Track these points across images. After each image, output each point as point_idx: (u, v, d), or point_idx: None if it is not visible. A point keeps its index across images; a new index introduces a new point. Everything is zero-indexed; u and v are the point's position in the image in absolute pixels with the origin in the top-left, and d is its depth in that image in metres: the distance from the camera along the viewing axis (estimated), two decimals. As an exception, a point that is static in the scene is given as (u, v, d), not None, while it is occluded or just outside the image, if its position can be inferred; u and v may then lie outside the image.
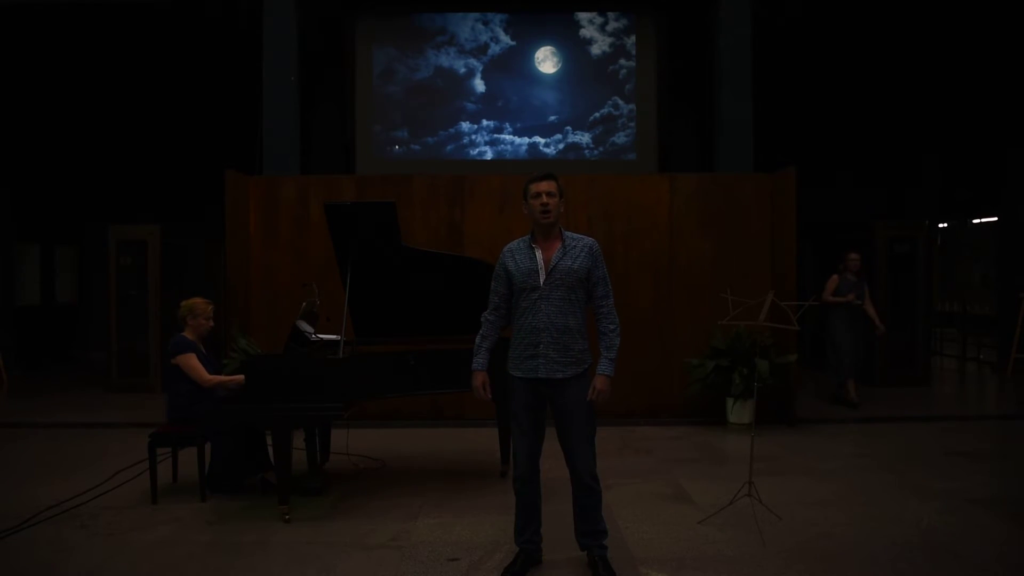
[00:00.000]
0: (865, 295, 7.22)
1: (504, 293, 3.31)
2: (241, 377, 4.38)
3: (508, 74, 9.74)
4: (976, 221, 11.17)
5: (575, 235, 3.29)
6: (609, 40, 9.74)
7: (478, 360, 3.34)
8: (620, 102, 9.74)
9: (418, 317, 4.84)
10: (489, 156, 9.75)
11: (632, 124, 9.73)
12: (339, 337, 4.45)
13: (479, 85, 9.73)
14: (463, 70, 9.73)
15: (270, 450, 4.39)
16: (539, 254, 3.21)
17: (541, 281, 3.18)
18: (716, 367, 6.30)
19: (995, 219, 10.48)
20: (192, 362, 4.37)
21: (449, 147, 9.75)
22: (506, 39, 9.71)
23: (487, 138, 9.74)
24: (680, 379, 6.62)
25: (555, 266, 3.18)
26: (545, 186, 3.21)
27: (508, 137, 9.74)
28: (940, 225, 11.82)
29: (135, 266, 8.22)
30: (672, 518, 4.03)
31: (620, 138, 9.73)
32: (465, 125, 9.75)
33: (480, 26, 9.71)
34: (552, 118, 9.76)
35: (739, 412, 6.38)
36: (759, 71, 7.95)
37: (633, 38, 9.73)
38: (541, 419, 3.26)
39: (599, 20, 9.75)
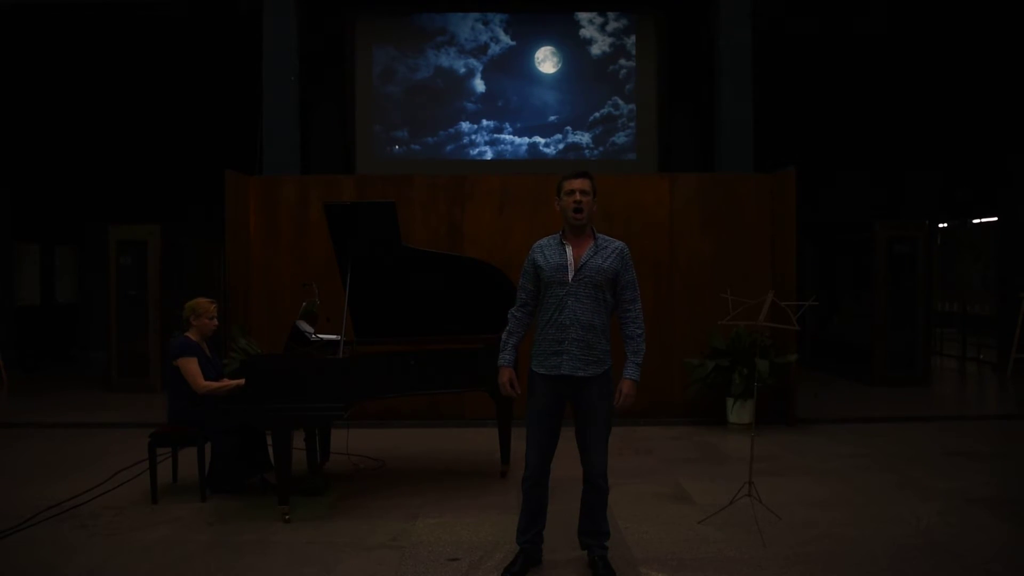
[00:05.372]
0: None
1: (532, 290, 3.29)
2: (235, 382, 4.37)
3: (508, 74, 9.74)
4: (976, 221, 11.17)
5: (607, 237, 3.28)
6: (609, 40, 9.74)
7: (505, 356, 3.33)
8: (620, 102, 9.74)
9: (418, 317, 4.84)
10: (489, 156, 9.75)
11: (632, 124, 9.73)
12: (339, 337, 4.45)
13: (479, 85, 9.73)
14: (463, 70, 9.73)
15: (270, 450, 4.38)
16: (569, 251, 3.20)
17: (570, 277, 3.16)
18: (716, 367, 6.30)
19: (995, 219, 10.48)
20: (191, 367, 4.35)
21: (449, 147, 9.75)
22: (506, 39, 9.72)
23: (487, 138, 9.75)
24: (680, 379, 6.62)
25: (585, 264, 3.16)
26: (579, 184, 3.18)
27: (508, 137, 9.75)
28: (940, 225, 11.82)
29: (135, 266, 8.22)
30: (672, 518, 4.03)
31: (620, 138, 9.73)
32: (465, 125, 9.75)
33: (480, 26, 9.71)
34: (552, 118, 9.76)
35: (739, 412, 6.38)
36: (759, 71, 7.95)
37: (633, 38, 9.73)
38: (558, 421, 3.26)
39: (599, 20, 9.76)
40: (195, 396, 4.37)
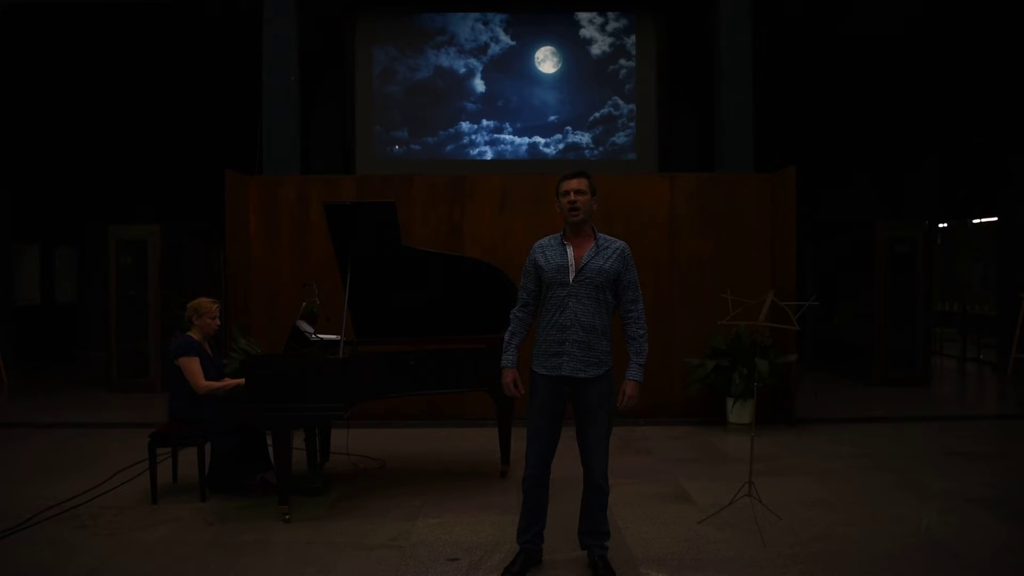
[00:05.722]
0: None
1: (533, 290, 3.29)
2: (236, 381, 4.38)
3: (508, 74, 9.74)
4: (976, 221, 11.17)
5: (608, 237, 3.28)
6: (609, 40, 9.74)
7: (508, 357, 3.33)
8: (620, 102, 9.74)
9: (418, 317, 4.84)
10: (489, 156, 9.75)
11: (632, 124, 9.74)
12: (339, 337, 4.45)
13: (479, 85, 9.73)
14: (463, 70, 9.73)
15: (270, 450, 4.39)
16: (570, 251, 3.20)
17: (571, 278, 3.16)
18: (716, 367, 6.30)
19: (995, 219, 10.48)
20: (193, 366, 4.35)
21: (449, 147, 9.75)
22: (506, 39, 9.72)
23: (487, 138, 9.75)
24: (680, 379, 6.62)
25: (586, 264, 3.16)
26: (575, 184, 3.20)
27: (508, 137, 9.75)
28: (940, 225, 11.82)
29: (135, 266, 8.21)
30: (672, 518, 4.03)
31: (620, 138, 9.73)
32: (465, 125, 9.75)
33: (480, 26, 9.71)
34: (552, 118, 9.76)
35: (739, 412, 6.38)
36: (759, 71, 7.95)
37: (633, 38, 9.73)
38: (559, 422, 3.25)
39: (599, 20, 9.76)
40: (196, 395, 4.37)
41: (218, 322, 4.60)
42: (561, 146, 9.74)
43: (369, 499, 4.39)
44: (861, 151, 11.41)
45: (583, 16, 9.74)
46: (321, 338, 4.84)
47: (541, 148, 9.74)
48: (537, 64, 9.76)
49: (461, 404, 6.56)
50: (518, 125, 9.75)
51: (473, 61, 9.72)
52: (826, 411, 6.91)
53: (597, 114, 9.74)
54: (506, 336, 3.37)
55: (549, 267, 3.20)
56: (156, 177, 11.29)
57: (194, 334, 4.50)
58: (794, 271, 6.49)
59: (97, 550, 3.59)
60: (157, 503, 4.28)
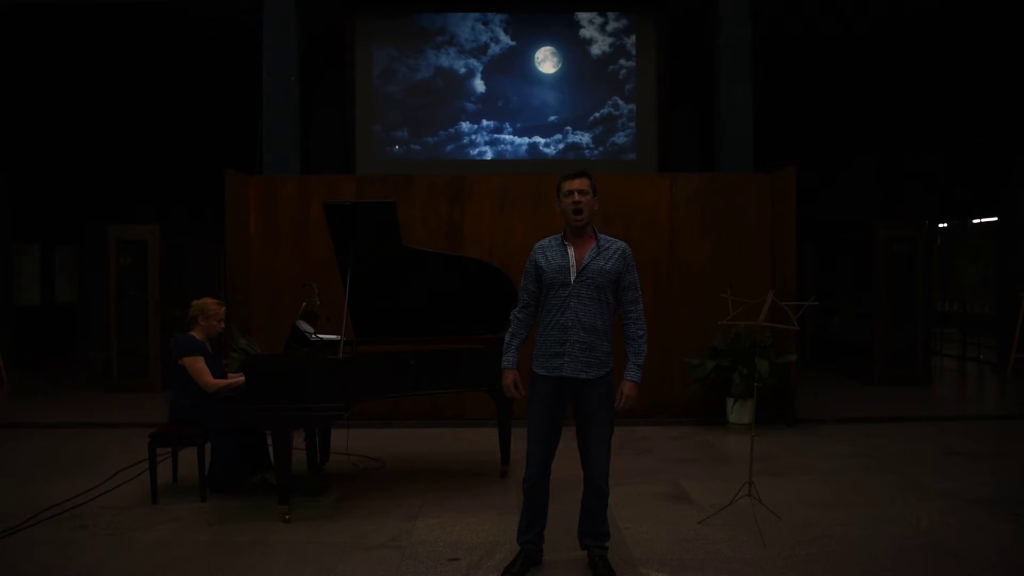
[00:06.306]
0: None
1: (534, 291, 3.28)
2: (241, 377, 4.38)
3: (508, 74, 9.74)
4: (976, 221, 11.17)
5: (609, 237, 3.27)
6: (609, 40, 9.74)
7: (508, 358, 3.32)
8: (620, 102, 9.74)
9: (418, 317, 4.84)
10: (489, 156, 9.74)
11: (632, 124, 9.73)
12: (339, 337, 4.45)
13: (479, 85, 9.73)
14: (463, 70, 9.72)
15: (270, 450, 4.39)
16: (571, 252, 3.19)
17: (572, 279, 3.15)
18: (716, 367, 6.30)
19: (995, 219, 10.48)
20: (199, 365, 4.35)
21: (449, 147, 9.75)
22: (506, 39, 9.71)
23: (487, 138, 9.74)
24: (680, 379, 6.62)
25: (587, 265, 3.16)
26: (578, 184, 3.18)
27: (508, 137, 9.74)
28: (940, 225, 11.82)
29: (135, 266, 8.22)
30: (672, 518, 4.03)
31: (620, 138, 9.73)
32: (465, 125, 9.75)
33: (480, 26, 9.70)
34: (552, 118, 9.76)
35: (739, 412, 6.38)
36: (759, 71, 7.95)
37: (633, 38, 9.73)
38: (559, 422, 3.25)
39: (599, 20, 9.75)
40: (200, 394, 4.37)
41: (222, 324, 4.60)
42: (561, 146, 9.73)
43: (369, 499, 4.39)
44: (861, 151, 11.41)
45: (583, 16, 9.73)
46: (321, 338, 4.84)
47: (541, 148, 9.74)
48: (537, 64, 9.75)
49: (461, 404, 6.56)
50: (518, 125, 9.75)
51: (473, 61, 9.71)
52: (826, 411, 6.91)
53: (597, 114, 9.73)
54: (506, 337, 3.37)
55: (550, 268, 3.19)
56: (156, 177, 11.29)
57: (196, 333, 4.50)
58: (794, 271, 6.50)
59: (97, 550, 3.59)
60: (157, 503, 4.28)
